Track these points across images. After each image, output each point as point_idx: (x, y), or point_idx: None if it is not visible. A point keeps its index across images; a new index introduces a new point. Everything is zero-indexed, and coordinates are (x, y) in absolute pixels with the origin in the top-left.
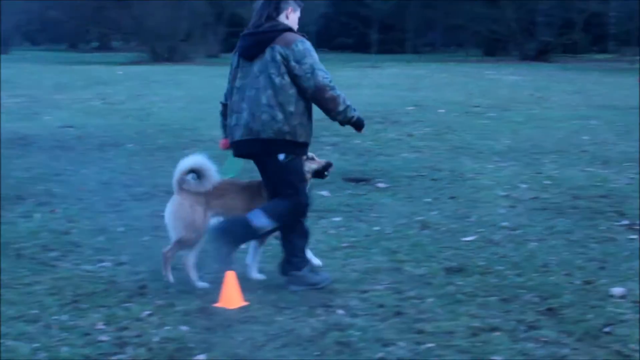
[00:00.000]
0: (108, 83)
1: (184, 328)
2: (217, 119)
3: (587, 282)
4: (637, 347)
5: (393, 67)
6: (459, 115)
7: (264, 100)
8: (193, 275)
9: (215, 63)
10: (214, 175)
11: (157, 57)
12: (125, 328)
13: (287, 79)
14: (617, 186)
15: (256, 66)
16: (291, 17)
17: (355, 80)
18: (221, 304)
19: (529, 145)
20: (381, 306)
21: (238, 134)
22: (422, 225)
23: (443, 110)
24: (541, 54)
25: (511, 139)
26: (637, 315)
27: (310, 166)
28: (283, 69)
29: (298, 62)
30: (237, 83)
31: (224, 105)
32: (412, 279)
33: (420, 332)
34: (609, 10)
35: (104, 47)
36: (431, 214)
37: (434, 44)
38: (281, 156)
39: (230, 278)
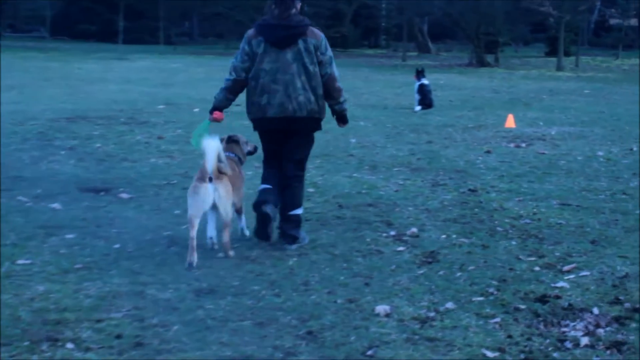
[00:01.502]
0: None
1: None
2: None
3: (351, 301)
4: None
5: (144, 59)
6: None
7: (299, 84)
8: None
9: None
10: (225, 159)
11: None
12: None
13: (317, 67)
14: (385, 193)
15: (289, 54)
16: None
17: (99, 74)
18: None
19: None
20: (119, 337)
21: (271, 112)
22: (170, 241)
23: (198, 110)
24: None
25: None
26: (403, 335)
27: (247, 148)
28: (315, 58)
29: (323, 52)
30: (266, 66)
31: (235, 80)
32: (156, 304)
33: None
34: (379, 2)
35: None
36: (181, 228)
37: (191, 34)
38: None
39: None
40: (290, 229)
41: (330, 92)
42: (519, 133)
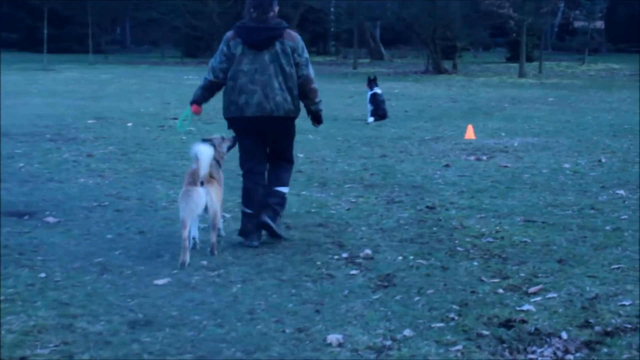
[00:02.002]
0: None
1: None
2: None
3: (300, 330)
4: None
5: (71, 69)
6: (152, 130)
7: (276, 84)
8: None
9: None
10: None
11: None
12: None
13: (294, 68)
14: (336, 212)
15: (266, 56)
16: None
17: (22, 87)
18: None
19: (235, 166)
20: None
21: (249, 112)
22: (102, 269)
23: (131, 124)
24: None
25: None
26: None
27: (225, 147)
28: (292, 60)
29: (299, 54)
30: (244, 67)
31: (211, 82)
32: (86, 338)
33: None
34: (328, 6)
35: None
36: (114, 253)
37: (123, 42)
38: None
39: None
40: (274, 203)
41: (306, 93)
42: (480, 145)
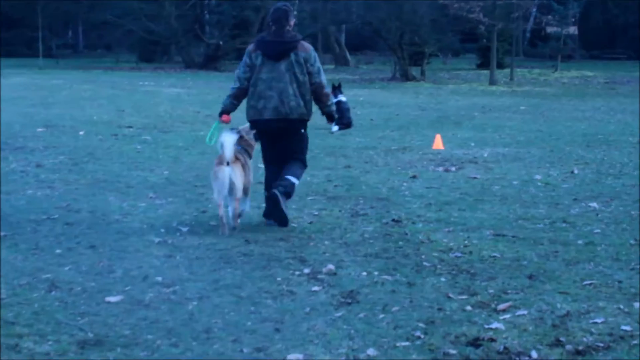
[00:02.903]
0: None
1: None
2: None
3: (259, 349)
4: None
5: (19, 74)
6: (105, 138)
7: (290, 91)
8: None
9: None
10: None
11: None
12: None
13: (307, 76)
14: (298, 226)
15: (282, 65)
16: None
17: None
18: None
19: (193, 177)
20: None
21: (267, 115)
22: (50, 286)
23: (83, 133)
24: (210, 61)
25: (171, 169)
26: None
27: (252, 134)
28: (305, 69)
29: (312, 64)
30: (263, 76)
31: (239, 89)
32: (33, 359)
33: None
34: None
35: None
36: (63, 269)
37: (75, 46)
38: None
39: None
40: (284, 185)
41: (320, 98)
42: (448, 155)
